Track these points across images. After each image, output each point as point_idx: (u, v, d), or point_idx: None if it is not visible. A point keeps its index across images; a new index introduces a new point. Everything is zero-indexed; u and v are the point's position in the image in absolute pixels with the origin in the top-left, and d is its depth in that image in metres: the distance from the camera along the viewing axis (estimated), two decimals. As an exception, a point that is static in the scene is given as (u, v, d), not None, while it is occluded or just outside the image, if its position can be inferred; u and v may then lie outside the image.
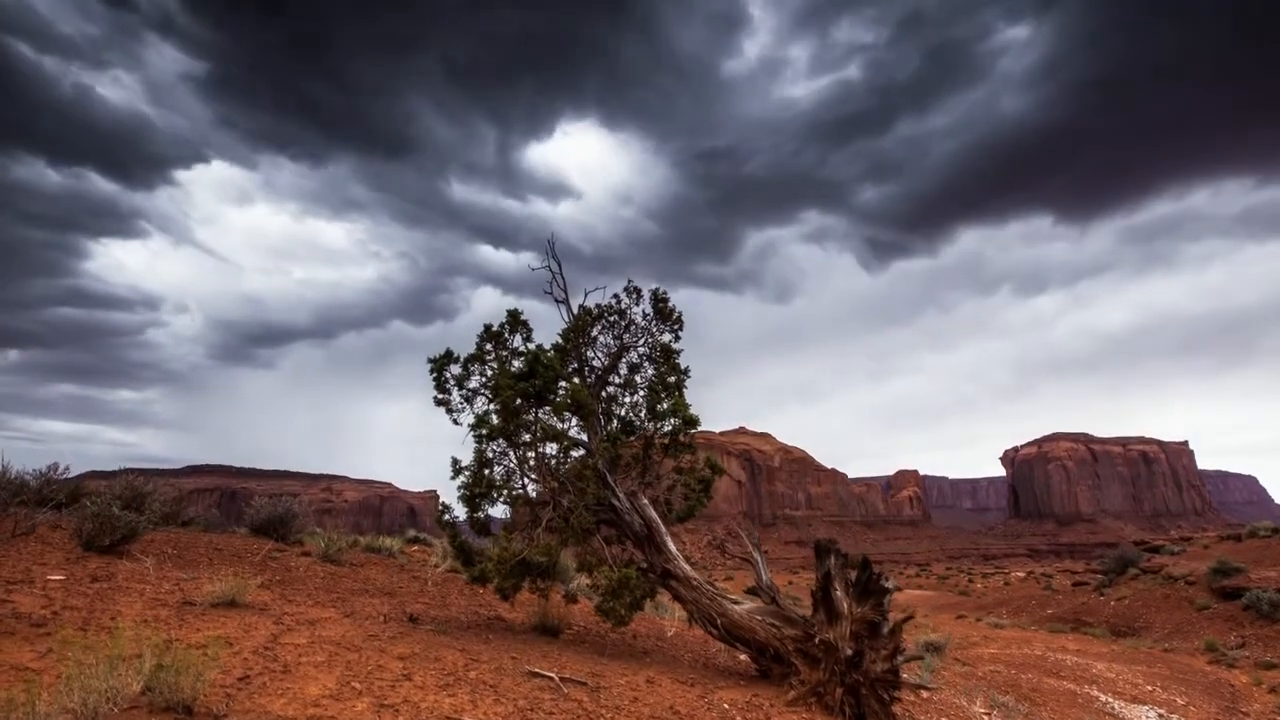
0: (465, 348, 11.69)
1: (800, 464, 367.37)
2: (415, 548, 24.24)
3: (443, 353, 11.59)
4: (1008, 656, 27.70)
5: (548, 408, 10.51)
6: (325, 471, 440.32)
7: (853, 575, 8.99)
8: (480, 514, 10.68)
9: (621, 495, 10.18)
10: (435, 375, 11.40)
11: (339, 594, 12.59)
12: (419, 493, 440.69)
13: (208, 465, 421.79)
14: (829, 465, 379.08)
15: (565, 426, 10.19)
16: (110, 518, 12.12)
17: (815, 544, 9.27)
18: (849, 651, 8.46)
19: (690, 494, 11.18)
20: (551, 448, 10.78)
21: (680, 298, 12.67)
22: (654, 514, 10.14)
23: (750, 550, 10.29)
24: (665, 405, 11.33)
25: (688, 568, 9.64)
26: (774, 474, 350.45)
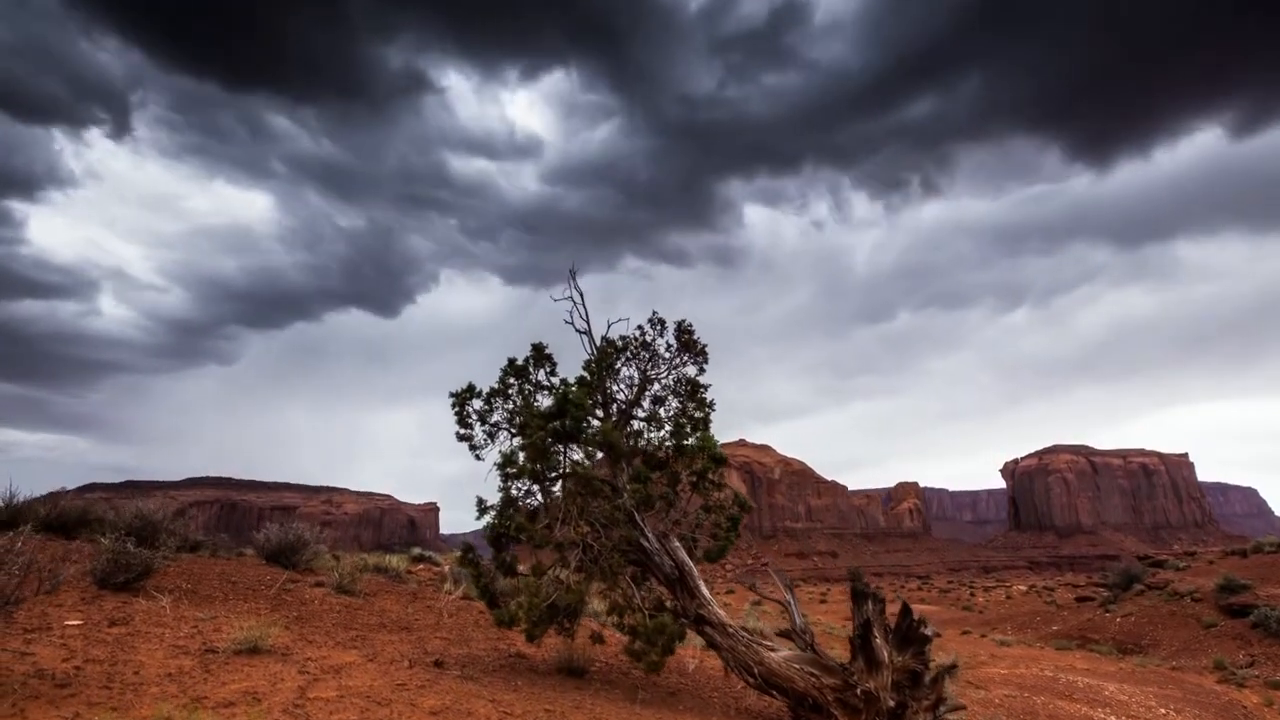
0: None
1: (800, 476, 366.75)
2: (421, 567, 23.96)
3: (464, 387, 11.40)
4: (1019, 678, 27.44)
5: (575, 445, 10.31)
6: (326, 484, 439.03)
7: (892, 622, 8.79)
8: (507, 555, 10.46)
9: (651, 536, 9.97)
10: (457, 410, 11.20)
11: (358, 631, 12.35)
12: (419, 505, 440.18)
13: (207, 478, 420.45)
14: (829, 477, 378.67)
15: (595, 467, 9.98)
16: (125, 555, 11.90)
17: (851, 588, 9.06)
18: (891, 702, 8.24)
19: (718, 532, 10.97)
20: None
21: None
22: (685, 556, 9.91)
23: (784, 592, 10.08)
24: (692, 441, 11.13)
25: (722, 613, 9.41)
26: (774, 486, 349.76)
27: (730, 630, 9.06)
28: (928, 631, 8.55)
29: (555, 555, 9.79)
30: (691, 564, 9.89)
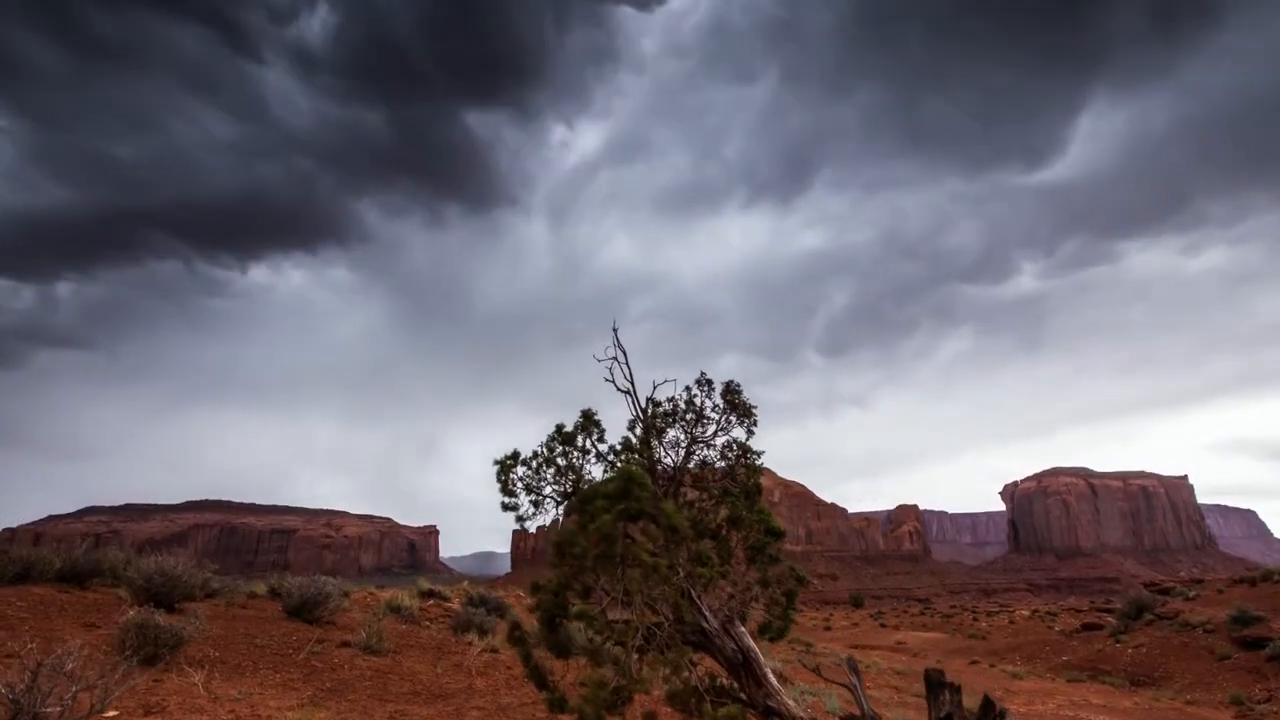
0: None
1: (800, 499, 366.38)
2: (431, 603, 23.48)
3: (508, 454, 11.03)
4: (1039, 716, 26.99)
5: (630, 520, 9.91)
6: (326, 507, 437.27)
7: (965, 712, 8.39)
8: (559, 633, 10.05)
9: (712, 618, 9.56)
10: (502, 479, 10.82)
11: (394, 703, 11.92)
12: (418, 527, 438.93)
13: (207, 500, 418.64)
14: (829, 500, 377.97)
15: (656, 553, 9.57)
16: (153, 628, 11.49)
17: (926, 677, 8.67)
18: (975, 804, 7.84)
19: (775, 608, 10.54)
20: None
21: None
22: (750, 641, 9.47)
23: (849, 676, 9.68)
24: (747, 513, 10.74)
25: (791, 703, 8.99)
26: (774, 509, 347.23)
27: (802, 724, 8.67)
28: (1010, 726, 8.16)
29: (608, 632, 9.37)
30: (756, 649, 9.48)
